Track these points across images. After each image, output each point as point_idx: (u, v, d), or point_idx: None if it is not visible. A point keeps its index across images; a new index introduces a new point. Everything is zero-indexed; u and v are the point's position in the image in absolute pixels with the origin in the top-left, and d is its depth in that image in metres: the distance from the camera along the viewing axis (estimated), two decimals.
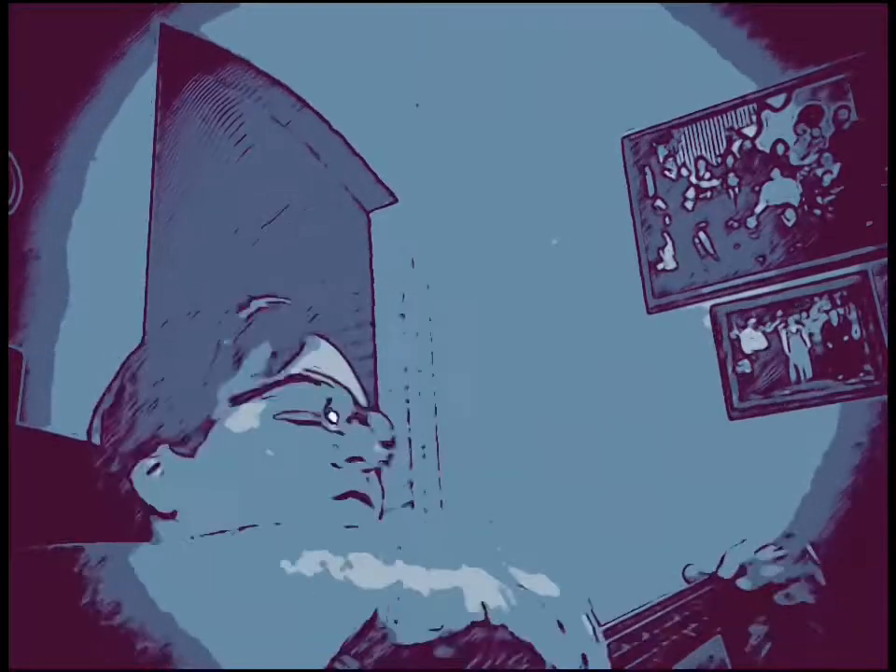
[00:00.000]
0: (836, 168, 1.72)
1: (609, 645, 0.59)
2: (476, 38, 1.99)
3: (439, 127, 2.06)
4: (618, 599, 0.71)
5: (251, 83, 2.22)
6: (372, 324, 2.18)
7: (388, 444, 0.77)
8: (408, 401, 2.11)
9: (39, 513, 0.67)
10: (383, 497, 0.78)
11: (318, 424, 0.74)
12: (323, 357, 0.78)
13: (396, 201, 2.24)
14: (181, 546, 0.57)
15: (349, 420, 0.76)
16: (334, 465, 0.73)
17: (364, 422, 0.77)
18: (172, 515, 0.72)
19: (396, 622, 0.47)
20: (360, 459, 0.74)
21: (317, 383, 0.75)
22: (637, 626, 0.64)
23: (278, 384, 0.74)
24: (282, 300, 0.83)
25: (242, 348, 0.76)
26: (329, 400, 0.75)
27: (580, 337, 1.84)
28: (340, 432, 0.75)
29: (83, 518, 0.69)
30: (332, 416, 0.75)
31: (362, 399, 0.79)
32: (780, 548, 0.81)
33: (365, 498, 0.73)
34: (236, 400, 0.74)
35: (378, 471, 0.76)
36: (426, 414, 2.08)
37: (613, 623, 0.64)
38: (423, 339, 2.13)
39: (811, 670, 0.74)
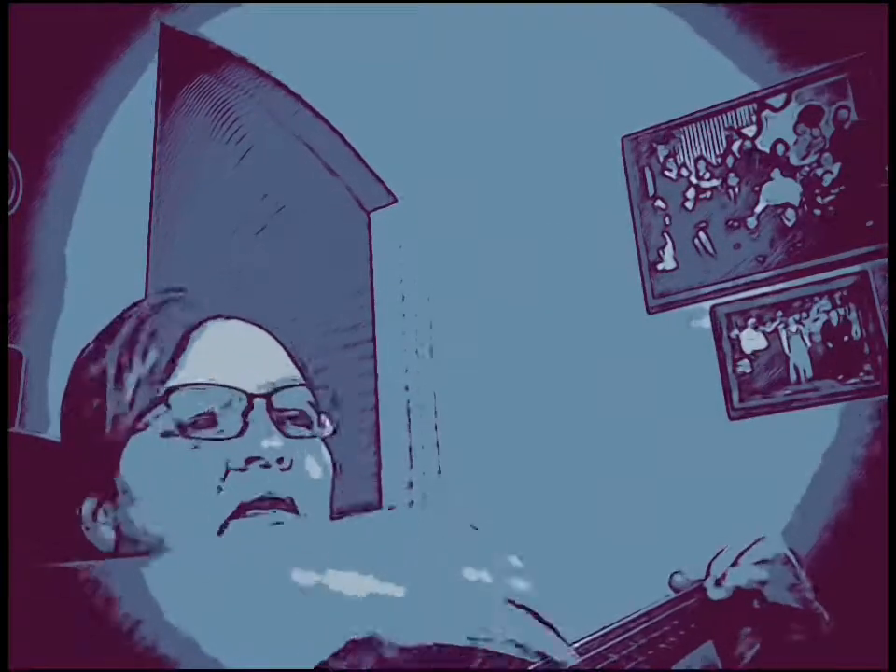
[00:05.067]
0: (836, 168, 1.72)
1: (595, 656, 0.58)
2: (476, 38, 1.99)
3: (439, 127, 2.06)
4: (618, 599, 0.71)
5: (251, 83, 2.23)
6: (373, 324, 2.18)
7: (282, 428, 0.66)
8: (408, 401, 2.11)
9: (39, 518, 0.67)
10: (333, 498, 0.69)
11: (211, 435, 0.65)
12: (211, 347, 0.69)
13: (396, 201, 2.24)
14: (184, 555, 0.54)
15: (244, 414, 0.66)
16: (239, 470, 0.64)
17: (271, 407, 0.67)
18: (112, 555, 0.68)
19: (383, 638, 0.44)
20: (256, 458, 0.64)
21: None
22: (624, 636, 0.63)
23: (154, 404, 0.66)
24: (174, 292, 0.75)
25: (122, 362, 0.69)
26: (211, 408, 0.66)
27: (580, 337, 1.84)
28: (239, 433, 0.65)
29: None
30: (221, 422, 0.66)
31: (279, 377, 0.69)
32: (753, 553, 0.79)
33: (277, 503, 0.64)
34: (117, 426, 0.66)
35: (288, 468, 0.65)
36: (426, 414, 2.08)
37: (602, 631, 0.63)
38: (423, 339, 2.13)
39: (811, 671, 0.74)
